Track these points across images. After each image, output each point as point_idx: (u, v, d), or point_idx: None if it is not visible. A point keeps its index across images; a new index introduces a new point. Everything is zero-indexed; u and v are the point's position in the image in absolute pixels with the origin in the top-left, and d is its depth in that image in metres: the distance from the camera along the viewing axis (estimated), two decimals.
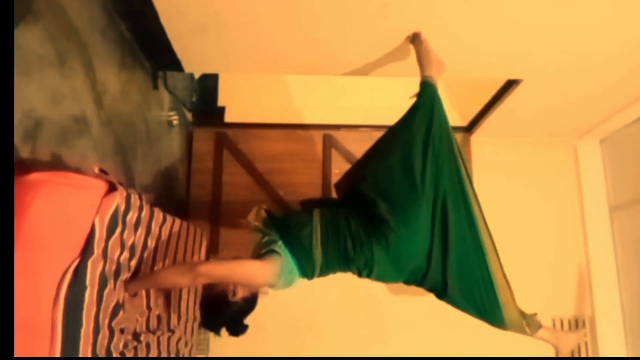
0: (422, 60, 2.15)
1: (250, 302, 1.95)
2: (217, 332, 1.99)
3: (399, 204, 1.89)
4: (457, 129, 3.55)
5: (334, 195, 2.32)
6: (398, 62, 2.49)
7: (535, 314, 2.14)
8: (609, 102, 2.93)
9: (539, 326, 2.12)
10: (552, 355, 3.30)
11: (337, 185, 2.25)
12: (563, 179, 3.54)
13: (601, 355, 3.25)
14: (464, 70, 2.60)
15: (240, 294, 1.87)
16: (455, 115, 3.58)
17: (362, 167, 2.10)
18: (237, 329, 1.97)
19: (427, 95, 2.05)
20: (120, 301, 1.65)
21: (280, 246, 1.83)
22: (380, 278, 1.98)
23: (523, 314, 2.10)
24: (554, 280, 3.40)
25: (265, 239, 1.90)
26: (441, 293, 2.02)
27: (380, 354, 3.25)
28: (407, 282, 2.03)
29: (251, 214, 1.98)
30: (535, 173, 3.54)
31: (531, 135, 3.49)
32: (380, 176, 1.95)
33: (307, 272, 1.88)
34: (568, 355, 2.27)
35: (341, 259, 1.90)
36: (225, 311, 1.91)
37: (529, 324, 2.09)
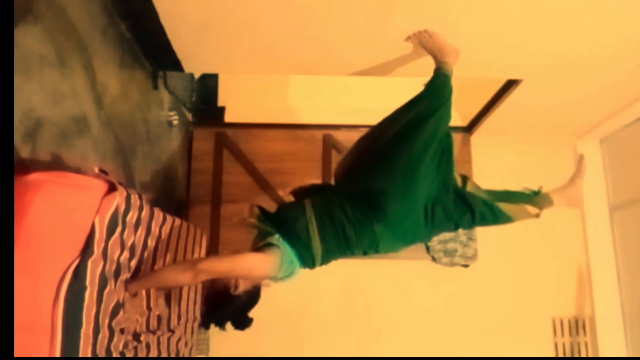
0: (435, 52, 2.14)
1: (253, 296, 1.95)
2: (222, 327, 2.01)
3: (397, 176, 1.89)
4: (457, 129, 3.55)
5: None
6: (399, 62, 2.49)
7: (540, 189, 2.23)
8: (609, 102, 2.93)
9: (551, 201, 2.19)
10: (552, 355, 3.31)
11: (340, 164, 2.24)
12: (563, 179, 3.53)
13: (601, 355, 3.25)
14: (464, 70, 2.60)
15: (242, 287, 1.88)
16: (455, 115, 3.58)
17: (365, 145, 2.09)
18: (242, 322, 1.98)
19: (439, 81, 2.03)
20: (121, 301, 1.65)
21: (277, 239, 1.84)
22: (387, 251, 2.01)
23: (531, 198, 2.20)
24: (554, 280, 3.40)
25: (263, 232, 1.91)
26: (455, 229, 2.11)
27: (380, 353, 3.25)
28: (415, 242, 2.10)
29: (245, 212, 1.99)
30: (535, 173, 3.53)
31: (531, 135, 3.49)
32: (383, 152, 1.95)
33: (308, 262, 1.89)
34: (582, 204, 2.24)
35: (342, 245, 1.91)
36: (229, 306, 1.92)
37: (539, 203, 2.18)
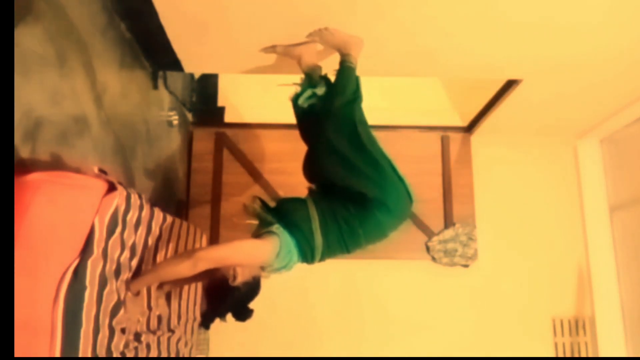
0: (339, 46, 2.18)
1: (252, 286, 1.97)
2: (222, 318, 2.02)
3: (370, 175, 1.93)
4: (457, 129, 3.55)
5: None
6: (397, 61, 2.49)
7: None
8: (609, 102, 2.93)
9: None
10: (552, 355, 3.31)
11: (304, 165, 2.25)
12: (563, 179, 3.54)
13: (601, 355, 3.25)
14: (464, 71, 2.60)
15: (241, 278, 1.89)
16: (455, 115, 3.58)
17: (314, 162, 2.11)
18: (242, 313, 2.01)
19: (344, 75, 2.09)
20: (122, 299, 1.65)
21: (277, 228, 1.86)
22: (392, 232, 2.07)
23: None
24: (554, 280, 3.40)
25: (264, 222, 1.93)
26: None
27: (380, 353, 3.25)
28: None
29: (247, 205, 2.02)
30: (535, 173, 3.54)
31: (531, 135, 3.49)
32: (337, 164, 1.98)
33: (307, 256, 1.91)
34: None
35: (344, 242, 1.94)
36: (228, 297, 1.94)
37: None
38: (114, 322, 1.59)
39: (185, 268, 1.74)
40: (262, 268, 1.92)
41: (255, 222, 1.98)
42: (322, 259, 1.95)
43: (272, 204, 2.04)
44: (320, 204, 1.95)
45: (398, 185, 1.97)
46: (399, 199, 1.97)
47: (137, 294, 1.81)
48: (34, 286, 1.29)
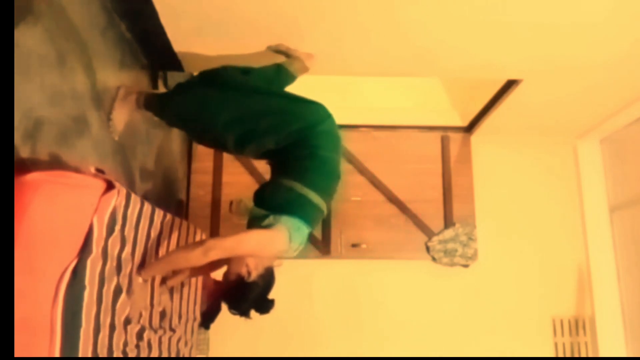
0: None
1: (268, 279, 1.99)
2: (247, 315, 2.05)
3: (282, 122, 2.00)
4: (457, 129, 3.55)
5: None
6: (397, 61, 2.49)
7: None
8: (609, 102, 2.93)
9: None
10: (552, 355, 3.31)
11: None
12: (563, 179, 3.54)
13: (601, 355, 3.24)
14: (464, 71, 2.60)
15: (255, 273, 1.90)
16: (455, 115, 3.58)
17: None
18: (265, 306, 2.04)
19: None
20: (124, 288, 1.66)
21: (274, 217, 1.86)
22: None
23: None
24: (554, 280, 3.40)
25: (256, 217, 1.93)
26: None
27: (380, 353, 3.25)
28: None
29: (234, 208, 2.04)
30: (536, 173, 3.54)
31: (531, 135, 3.49)
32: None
33: (317, 216, 1.95)
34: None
35: (330, 170, 1.99)
36: (249, 294, 1.96)
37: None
38: (117, 306, 1.60)
39: (196, 256, 1.75)
40: (280, 256, 1.93)
41: (246, 214, 1.99)
42: (328, 202, 1.99)
43: (250, 203, 2.05)
44: (283, 168, 1.97)
45: (300, 103, 2.06)
46: (317, 108, 2.07)
47: (146, 281, 1.82)
48: (33, 286, 1.30)
